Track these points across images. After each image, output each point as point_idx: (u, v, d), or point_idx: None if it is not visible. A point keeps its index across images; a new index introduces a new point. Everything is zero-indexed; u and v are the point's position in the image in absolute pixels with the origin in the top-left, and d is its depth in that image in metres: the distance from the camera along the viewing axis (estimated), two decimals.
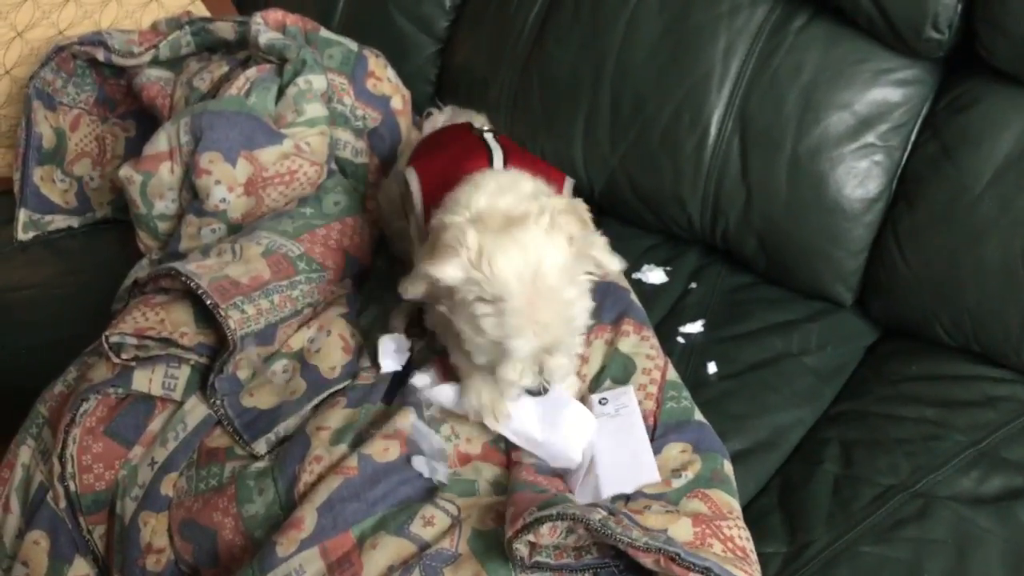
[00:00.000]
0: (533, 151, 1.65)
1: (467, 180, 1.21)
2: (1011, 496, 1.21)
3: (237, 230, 1.49)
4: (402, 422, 1.21)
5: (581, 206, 1.19)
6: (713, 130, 1.57)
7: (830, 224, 1.51)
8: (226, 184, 1.50)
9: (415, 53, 1.95)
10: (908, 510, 1.20)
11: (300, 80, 1.59)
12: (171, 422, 1.27)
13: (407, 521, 1.12)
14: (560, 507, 1.03)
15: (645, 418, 1.25)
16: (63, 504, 1.24)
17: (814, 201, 1.51)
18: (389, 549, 1.09)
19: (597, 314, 1.36)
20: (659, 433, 1.24)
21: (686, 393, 1.31)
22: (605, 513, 1.04)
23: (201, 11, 1.97)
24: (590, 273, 1.15)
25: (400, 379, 1.31)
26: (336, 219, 1.51)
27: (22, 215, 1.79)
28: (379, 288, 1.48)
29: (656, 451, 1.22)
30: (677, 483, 1.18)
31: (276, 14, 1.73)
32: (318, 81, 1.61)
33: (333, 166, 1.62)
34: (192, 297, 1.29)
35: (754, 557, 1.12)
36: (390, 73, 1.76)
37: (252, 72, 1.61)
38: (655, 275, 1.61)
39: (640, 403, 1.27)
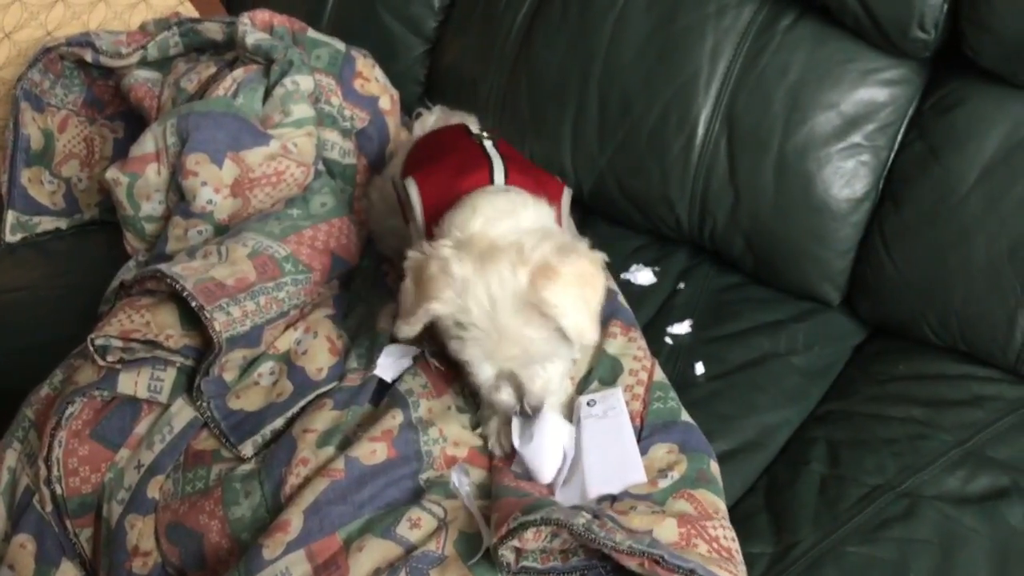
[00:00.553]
0: (521, 153, 1.65)
1: (467, 202, 1.22)
2: (997, 495, 1.21)
3: (224, 231, 1.49)
4: (389, 424, 1.21)
5: (594, 264, 1.16)
6: (700, 130, 1.57)
7: (817, 224, 1.52)
8: (212, 185, 1.50)
9: (404, 53, 1.95)
10: (894, 510, 1.20)
11: (287, 81, 1.59)
12: (157, 425, 1.27)
13: (393, 523, 1.12)
14: (544, 512, 1.03)
15: (632, 419, 1.25)
16: (49, 507, 1.24)
17: (801, 201, 1.51)
18: (375, 551, 1.09)
19: None
20: (645, 434, 1.24)
21: (673, 394, 1.31)
22: (589, 516, 1.04)
23: (190, 12, 1.97)
24: None
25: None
26: (323, 220, 1.50)
27: (10, 217, 1.79)
28: (366, 288, 1.48)
29: (642, 452, 1.22)
30: (663, 483, 1.18)
31: (263, 15, 1.73)
32: (305, 82, 1.61)
33: (320, 167, 1.61)
34: (178, 299, 1.29)
35: (739, 557, 1.12)
36: (378, 73, 1.76)
37: (239, 73, 1.60)
38: (643, 275, 1.61)
39: (627, 404, 1.27)
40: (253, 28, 1.69)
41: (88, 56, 1.74)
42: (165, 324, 1.28)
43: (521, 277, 1.10)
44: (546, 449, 1.19)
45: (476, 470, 1.22)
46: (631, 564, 1.02)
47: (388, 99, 1.75)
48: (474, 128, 1.53)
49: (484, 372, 1.15)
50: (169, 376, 1.28)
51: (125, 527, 1.22)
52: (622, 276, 1.60)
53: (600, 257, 1.18)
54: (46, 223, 1.82)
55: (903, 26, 1.42)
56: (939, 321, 1.44)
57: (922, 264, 1.45)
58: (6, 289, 1.67)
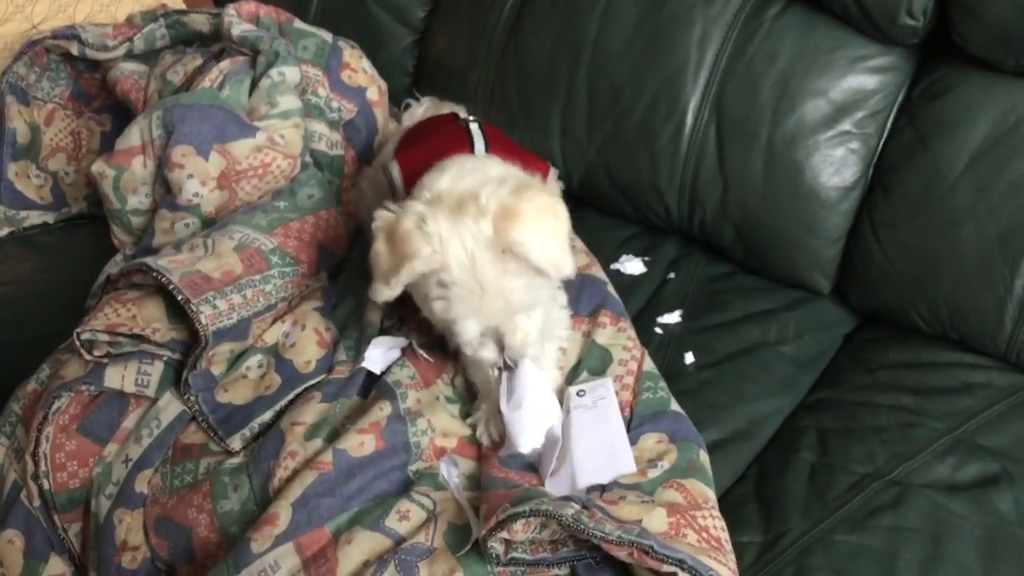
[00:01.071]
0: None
1: (438, 166, 1.22)
2: (987, 483, 1.21)
3: (211, 224, 1.48)
4: (377, 415, 1.21)
5: (550, 195, 1.17)
6: (689, 119, 1.56)
7: (806, 213, 1.51)
8: (199, 178, 1.49)
9: (392, 44, 1.94)
10: (884, 498, 1.20)
11: (273, 72, 1.58)
12: (145, 419, 1.26)
13: (382, 515, 1.12)
14: (532, 503, 1.03)
15: (622, 409, 1.25)
16: (37, 502, 1.24)
17: (790, 190, 1.51)
18: (364, 544, 1.09)
19: (574, 306, 1.37)
20: (635, 424, 1.24)
21: (663, 384, 1.31)
22: (578, 507, 1.04)
23: (176, 3, 1.96)
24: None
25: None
26: (310, 212, 1.50)
27: None
28: (354, 280, 1.47)
29: (632, 441, 1.22)
30: (653, 473, 1.18)
31: (249, 6, 1.72)
32: (291, 73, 1.60)
33: (307, 159, 1.61)
34: (164, 293, 1.28)
35: (729, 547, 1.12)
36: (365, 64, 1.75)
37: (225, 64, 1.59)
38: (633, 265, 1.61)
39: (616, 394, 1.27)
40: (239, 19, 1.68)
41: (74, 49, 1.73)
42: (151, 318, 1.28)
43: (485, 227, 1.09)
44: (526, 404, 1.19)
45: (465, 461, 1.22)
46: (620, 554, 1.02)
47: (376, 90, 1.74)
48: (463, 116, 1.52)
49: (470, 330, 1.13)
50: (156, 370, 1.28)
51: (113, 521, 1.22)
52: (612, 266, 1.59)
53: (557, 187, 1.18)
54: (33, 217, 1.80)
55: (892, 13, 1.42)
56: (929, 309, 1.44)
57: (911, 252, 1.44)
58: None
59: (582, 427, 1.23)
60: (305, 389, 1.29)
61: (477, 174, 1.18)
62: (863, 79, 1.49)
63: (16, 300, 1.62)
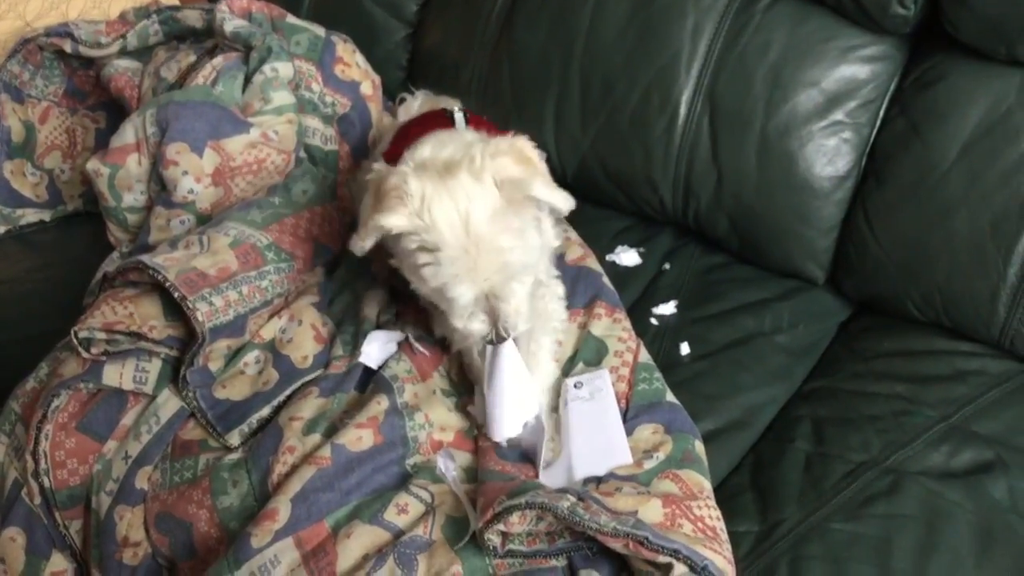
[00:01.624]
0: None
1: (416, 141, 1.23)
2: (981, 470, 1.22)
3: (206, 220, 1.49)
4: (375, 410, 1.22)
5: (522, 143, 1.17)
6: (682, 111, 1.57)
7: (800, 203, 1.52)
8: (193, 174, 1.49)
9: (385, 38, 1.94)
10: (878, 486, 1.21)
11: (266, 68, 1.58)
12: (144, 416, 1.27)
13: (381, 509, 1.12)
14: (529, 495, 1.03)
15: (617, 400, 1.26)
16: (38, 500, 1.24)
17: (784, 180, 1.51)
18: (363, 538, 1.10)
19: (570, 298, 1.38)
20: (631, 415, 1.25)
21: (658, 375, 1.31)
22: (574, 499, 1.05)
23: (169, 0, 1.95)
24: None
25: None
26: (305, 208, 1.50)
27: None
28: (350, 275, 1.48)
29: (628, 433, 1.23)
30: (649, 464, 1.19)
31: (241, 1, 1.72)
32: (284, 68, 1.60)
33: (302, 154, 1.61)
34: (161, 290, 1.29)
35: (724, 536, 1.12)
36: (359, 59, 1.75)
37: (219, 61, 1.60)
38: (629, 257, 1.62)
39: (612, 385, 1.27)
40: (231, 15, 1.68)
41: (68, 47, 1.74)
42: (148, 315, 1.28)
43: (487, 184, 1.10)
44: (504, 388, 1.19)
45: (462, 454, 1.23)
46: (616, 545, 1.03)
47: (370, 84, 1.74)
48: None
49: (463, 295, 1.12)
50: (154, 367, 1.28)
51: (114, 518, 1.22)
52: (607, 257, 1.60)
53: (523, 138, 1.19)
54: (30, 215, 1.81)
55: (883, 2, 1.42)
56: (922, 297, 1.44)
57: (905, 241, 1.45)
58: None
59: (579, 418, 1.24)
60: (303, 384, 1.29)
61: (455, 142, 1.19)
62: (855, 69, 1.49)
63: (13, 298, 1.63)
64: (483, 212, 1.09)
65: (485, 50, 1.77)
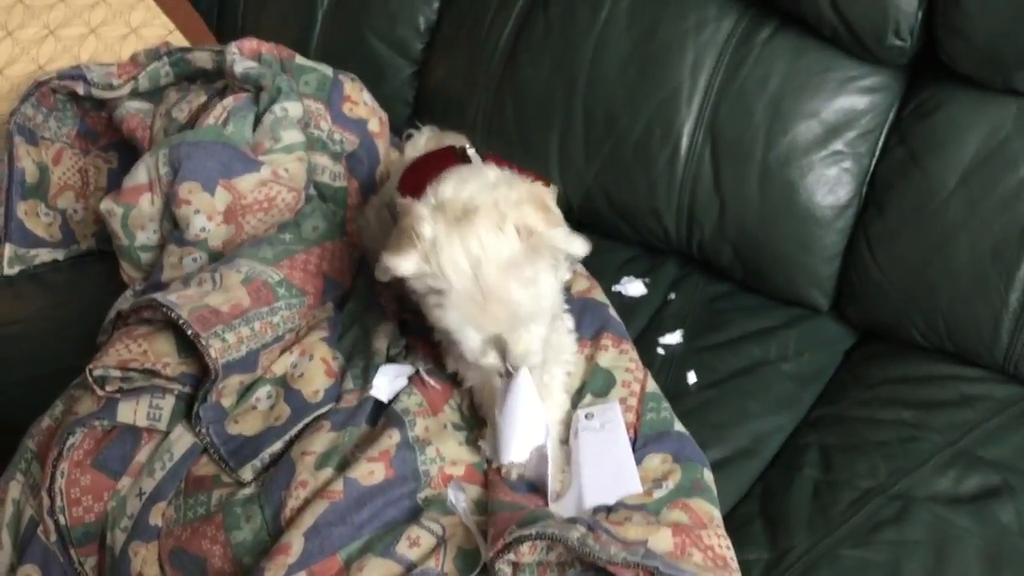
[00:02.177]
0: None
1: (438, 176, 1.22)
2: (988, 495, 1.22)
3: (218, 258, 1.50)
4: (386, 444, 1.23)
5: (542, 191, 1.18)
6: (684, 143, 1.59)
7: (802, 231, 1.53)
8: (205, 213, 1.51)
9: (392, 76, 1.97)
10: (886, 512, 1.21)
11: (276, 107, 1.60)
12: (157, 452, 1.28)
13: (393, 542, 1.13)
14: (539, 526, 1.04)
15: (626, 430, 1.27)
16: (53, 537, 1.25)
17: (786, 209, 1.53)
18: (376, 571, 1.11)
19: (576, 330, 1.39)
20: (639, 444, 1.26)
21: (666, 404, 1.32)
22: (584, 529, 1.05)
23: (180, 41, 1.98)
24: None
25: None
26: (315, 244, 1.52)
27: (7, 250, 1.80)
28: (360, 309, 1.49)
29: (637, 462, 1.24)
30: (658, 494, 1.20)
31: (251, 43, 1.74)
32: (294, 108, 1.62)
33: (311, 191, 1.63)
34: (174, 327, 1.30)
35: (735, 565, 1.13)
36: (366, 96, 1.77)
37: (229, 101, 1.62)
38: (634, 287, 1.63)
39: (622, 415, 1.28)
40: (241, 57, 1.70)
41: (80, 89, 1.76)
42: (162, 352, 1.30)
43: (508, 230, 1.10)
44: (517, 413, 1.20)
45: (472, 487, 1.23)
46: (626, 575, 1.03)
47: (377, 121, 1.76)
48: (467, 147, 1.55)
49: (470, 339, 1.13)
50: (168, 404, 1.30)
51: (129, 554, 1.23)
52: (613, 288, 1.61)
53: (539, 184, 1.21)
54: (43, 255, 1.82)
55: (879, 34, 1.44)
56: (926, 323, 1.45)
57: (907, 268, 1.46)
58: (5, 322, 1.68)
59: (589, 448, 1.25)
60: (314, 418, 1.30)
61: (476, 179, 1.19)
62: (854, 99, 1.51)
63: (29, 337, 1.64)
64: (496, 261, 1.09)
65: (489, 86, 1.79)
